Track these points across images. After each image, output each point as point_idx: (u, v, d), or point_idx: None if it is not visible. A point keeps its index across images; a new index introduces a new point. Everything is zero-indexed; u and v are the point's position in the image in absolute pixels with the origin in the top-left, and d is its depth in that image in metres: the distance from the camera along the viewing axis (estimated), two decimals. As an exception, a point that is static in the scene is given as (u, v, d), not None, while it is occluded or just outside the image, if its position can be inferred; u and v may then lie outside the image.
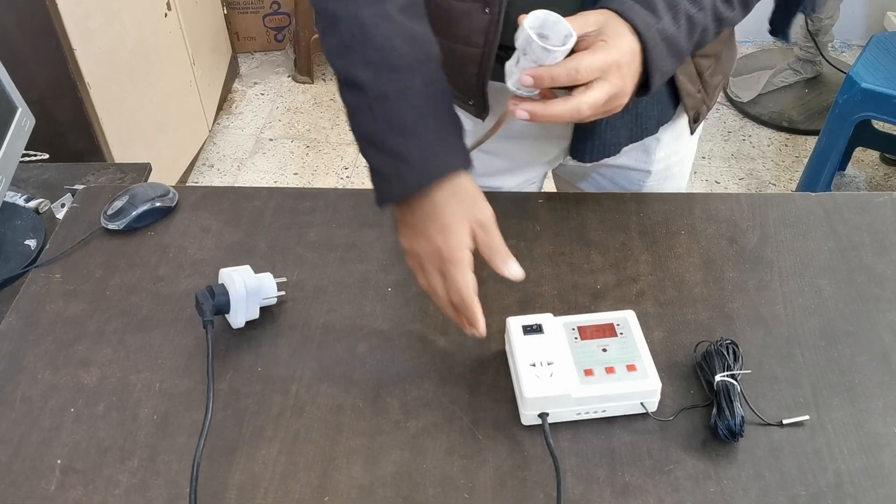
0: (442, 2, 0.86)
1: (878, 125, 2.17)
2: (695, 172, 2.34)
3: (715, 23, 0.78)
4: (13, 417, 0.77)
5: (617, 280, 0.88)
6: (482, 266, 0.89)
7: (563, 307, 0.85)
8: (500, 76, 0.81)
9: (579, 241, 0.93)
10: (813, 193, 0.99)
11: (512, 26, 0.76)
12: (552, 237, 0.93)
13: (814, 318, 0.84)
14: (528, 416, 0.75)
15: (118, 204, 0.95)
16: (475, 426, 0.75)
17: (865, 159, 2.39)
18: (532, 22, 0.71)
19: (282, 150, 2.46)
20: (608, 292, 0.87)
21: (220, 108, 2.51)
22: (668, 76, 0.79)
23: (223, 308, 0.82)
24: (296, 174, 2.38)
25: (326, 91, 2.69)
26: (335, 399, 0.78)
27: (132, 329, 0.84)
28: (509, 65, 0.74)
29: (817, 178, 2.03)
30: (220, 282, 0.83)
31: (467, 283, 0.73)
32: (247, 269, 0.84)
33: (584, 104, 0.71)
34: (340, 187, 2.23)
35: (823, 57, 2.55)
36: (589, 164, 1.02)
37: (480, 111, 0.92)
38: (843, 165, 2.29)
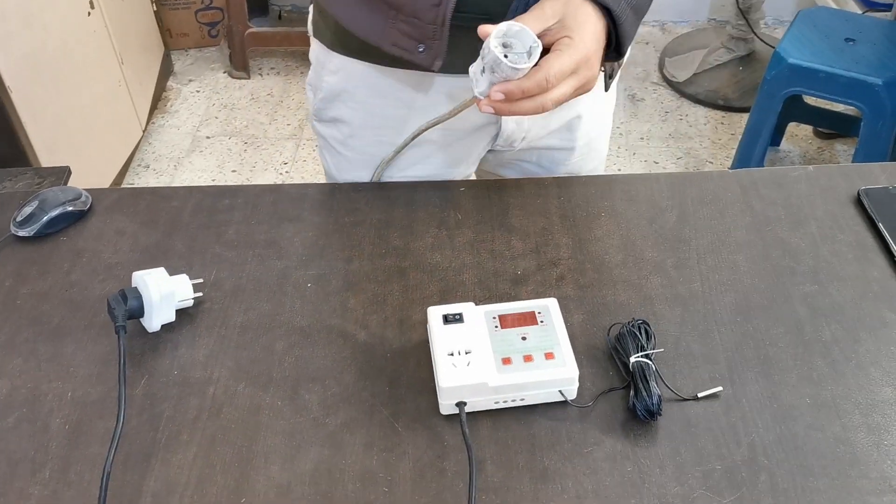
0: None
1: (810, 100, 2.21)
2: (633, 154, 2.36)
3: None
4: (-82, 435, 0.74)
5: (538, 265, 0.88)
6: (402, 254, 0.89)
7: (483, 294, 0.85)
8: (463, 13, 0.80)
9: (500, 227, 0.92)
10: (730, 171, 1.00)
11: None
12: (473, 225, 0.93)
13: (730, 293, 0.85)
14: (447, 406, 0.74)
15: (28, 210, 0.93)
16: (395, 419, 0.75)
17: (799, 134, 2.43)
18: (497, 34, 0.72)
19: (219, 148, 2.42)
20: (529, 277, 0.87)
21: (154, 108, 2.46)
22: (632, 40, 0.80)
23: (137, 312, 0.80)
24: (234, 171, 2.34)
25: (263, 86, 2.66)
26: (253, 399, 0.77)
27: (44, 338, 0.82)
28: (474, 71, 0.75)
29: (750, 154, 2.06)
30: (133, 285, 0.82)
31: None
32: (161, 271, 0.83)
33: (549, 101, 0.73)
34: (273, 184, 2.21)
35: (755, 34, 2.58)
36: (518, 149, 1.02)
37: (433, 59, 0.84)
38: (777, 141, 2.33)
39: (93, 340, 0.82)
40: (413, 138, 0.94)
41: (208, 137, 2.46)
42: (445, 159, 1.01)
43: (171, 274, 0.83)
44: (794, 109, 2.13)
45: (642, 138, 2.42)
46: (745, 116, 2.45)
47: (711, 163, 2.34)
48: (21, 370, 0.79)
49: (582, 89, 0.75)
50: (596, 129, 1.07)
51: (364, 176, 1.01)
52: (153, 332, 0.82)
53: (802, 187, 0.96)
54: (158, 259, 0.90)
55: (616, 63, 0.97)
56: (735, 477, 0.70)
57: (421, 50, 0.84)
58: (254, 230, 0.93)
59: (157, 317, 0.81)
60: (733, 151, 2.34)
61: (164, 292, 0.80)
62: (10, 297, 0.86)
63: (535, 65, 0.73)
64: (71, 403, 0.76)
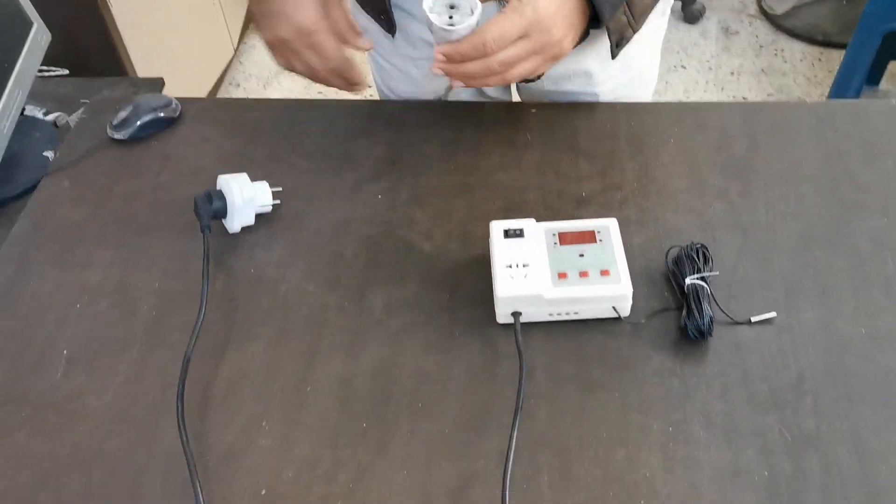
0: None
1: (913, 37, 2.10)
2: (721, 89, 2.30)
3: None
4: (22, 312, 0.82)
5: (602, 187, 0.90)
6: (469, 171, 0.92)
7: (546, 214, 0.87)
8: None
9: (568, 149, 0.94)
10: (807, 102, 0.98)
11: None
12: (541, 146, 0.94)
13: (794, 224, 0.85)
14: (503, 315, 0.78)
15: (123, 115, 0.99)
16: (453, 325, 0.79)
17: (900, 74, 2.32)
18: None
19: (307, 69, 2.47)
20: (592, 199, 0.89)
21: (245, 27, 2.52)
22: (616, 9, 0.78)
23: (220, 213, 0.86)
24: (320, 93, 2.39)
25: (352, 9, 2.69)
26: (321, 299, 0.81)
27: (132, 234, 0.89)
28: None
29: (845, 92, 1.99)
30: (217, 188, 0.87)
31: (335, 46, 0.74)
32: (244, 176, 0.87)
33: (495, 63, 0.72)
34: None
35: (862, -34, 2.45)
36: (535, 91, 1.02)
37: (389, 28, 0.92)
38: (876, 79, 2.23)
39: (176, 238, 0.88)
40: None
41: (296, 59, 2.51)
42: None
43: (252, 180, 0.88)
44: (895, 47, 2.03)
45: (732, 73, 2.36)
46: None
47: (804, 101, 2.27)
48: (111, 261, 0.86)
49: (543, 54, 0.73)
50: (625, 75, 1.02)
51: (404, 87, 1.04)
52: (233, 234, 0.87)
53: (881, 121, 0.94)
54: (240, 166, 0.95)
55: (631, 29, 0.92)
56: (779, 398, 0.71)
57: (383, 18, 0.93)
58: (329, 143, 0.97)
59: (238, 219, 0.86)
60: (828, 90, 2.26)
61: (246, 196, 0.85)
62: (103, 194, 0.93)
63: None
64: (156, 294, 0.83)
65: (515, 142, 0.95)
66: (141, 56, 1.84)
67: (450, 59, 0.73)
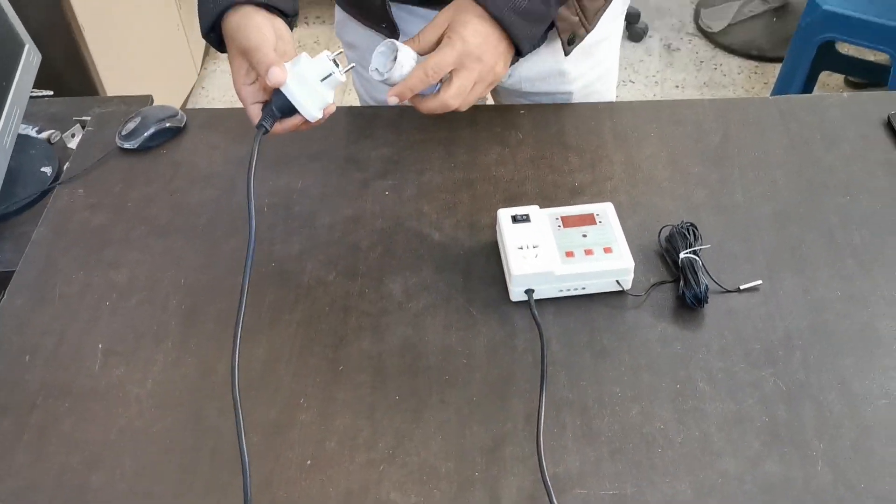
0: None
1: (842, 48, 2.26)
2: (668, 101, 2.43)
3: None
4: (54, 311, 0.85)
5: (593, 178, 0.97)
6: (469, 168, 0.98)
7: (545, 203, 0.94)
8: None
9: (558, 145, 1.01)
10: (770, 97, 1.08)
11: None
12: (533, 143, 1.02)
13: (769, 204, 0.93)
14: (516, 293, 0.84)
15: (131, 125, 1.03)
16: (469, 305, 0.85)
17: (831, 83, 2.48)
18: (381, 50, 0.83)
19: (267, 93, 2.52)
20: (585, 189, 0.96)
21: (206, 53, 2.56)
22: (537, 37, 0.89)
23: (285, 107, 0.81)
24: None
25: (310, 34, 2.74)
26: (343, 287, 0.87)
27: (154, 235, 0.93)
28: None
29: (784, 100, 2.12)
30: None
31: (251, 116, 0.83)
32: (299, 60, 0.81)
33: (449, 97, 0.82)
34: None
35: (790, -15, 2.63)
36: (513, 91, 1.10)
37: (392, 33, 1.00)
38: (809, 89, 2.38)
39: (199, 237, 0.92)
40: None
41: (256, 83, 2.55)
42: None
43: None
44: (827, 58, 2.18)
45: (677, 86, 2.49)
46: (778, 67, 2.50)
47: (744, 111, 2.40)
48: (137, 261, 0.90)
49: (483, 81, 0.84)
50: (593, 72, 1.11)
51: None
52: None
53: (836, 112, 1.04)
54: (250, 170, 0.99)
55: (584, 28, 1.00)
56: (772, 355, 0.79)
57: (384, 26, 1.00)
58: (334, 146, 1.02)
59: (311, 100, 0.81)
60: (766, 100, 2.40)
61: (306, 68, 0.80)
62: (121, 200, 0.97)
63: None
64: (185, 288, 0.87)
65: (509, 140, 1.02)
66: (111, 79, 1.87)
67: (401, 96, 0.83)
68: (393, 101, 0.83)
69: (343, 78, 0.83)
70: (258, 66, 0.80)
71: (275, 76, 0.78)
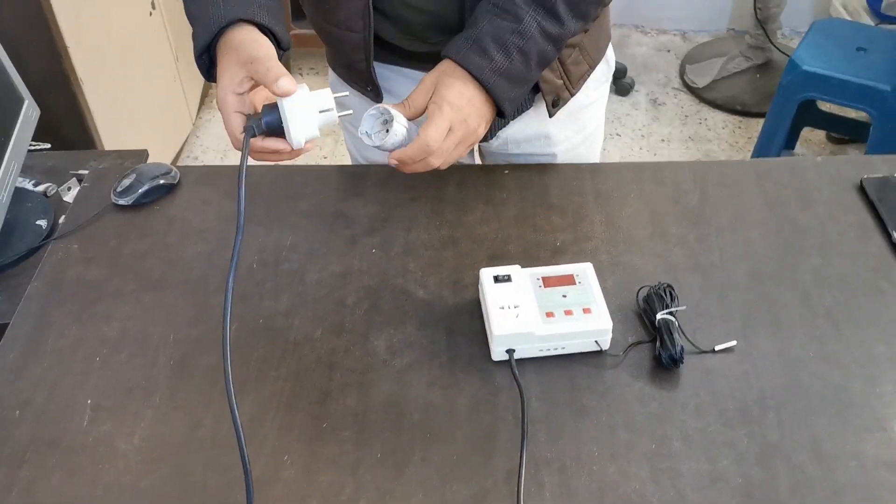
0: None
1: (823, 106, 2.32)
2: (654, 154, 2.48)
3: (550, 43, 0.89)
4: (46, 365, 0.87)
5: (574, 238, 1.00)
6: (454, 226, 1.01)
7: (527, 262, 0.97)
8: (385, 59, 0.95)
9: (541, 205, 1.04)
10: (748, 160, 1.12)
11: (380, 14, 0.92)
12: (517, 202, 1.05)
13: (745, 264, 0.96)
14: (498, 353, 0.86)
15: (126, 182, 1.06)
16: (452, 363, 0.87)
17: (813, 139, 2.54)
18: (372, 113, 0.86)
19: (261, 142, 2.56)
20: (567, 248, 0.99)
21: (201, 104, 2.60)
22: (520, 100, 0.92)
23: (273, 126, 0.80)
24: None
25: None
26: (328, 343, 0.89)
27: (147, 289, 0.95)
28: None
29: (766, 156, 2.17)
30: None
31: (229, 125, 0.83)
32: (302, 87, 0.82)
33: (433, 158, 0.86)
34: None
35: (772, 44, 2.69)
36: (499, 154, 1.14)
37: (377, 97, 1.03)
38: (792, 145, 2.44)
39: (190, 292, 0.94)
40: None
41: (250, 132, 2.60)
42: None
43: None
44: (808, 115, 2.23)
45: (663, 140, 2.54)
46: (762, 121, 2.55)
47: (729, 165, 2.45)
48: (129, 315, 0.92)
49: (465, 142, 0.88)
50: (578, 136, 1.14)
51: (379, 155, 1.10)
52: (237, 284, 0.94)
53: (811, 175, 1.08)
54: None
55: (567, 91, 1.04)
56: (746, 414, 0.81)
57: (370, 90, 1.03)
58: (324, 203, 1.05)
59: (299, 127, 0.81)
60: (749, 154, 2.45)
61: (302, 100, 0.81)
62: (115, 254, 0.99)
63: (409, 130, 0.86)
64: (174, 343, 0.89)
65: (494, 199, 1.05)
66: (108, 131, 1.90)
67: (402, 162, 0.86)
68: (393, 163, 0.87)
69: (337, 118, 0.84)
70: (266, 75, 0.79)
71: (285, 85, 0.79)
